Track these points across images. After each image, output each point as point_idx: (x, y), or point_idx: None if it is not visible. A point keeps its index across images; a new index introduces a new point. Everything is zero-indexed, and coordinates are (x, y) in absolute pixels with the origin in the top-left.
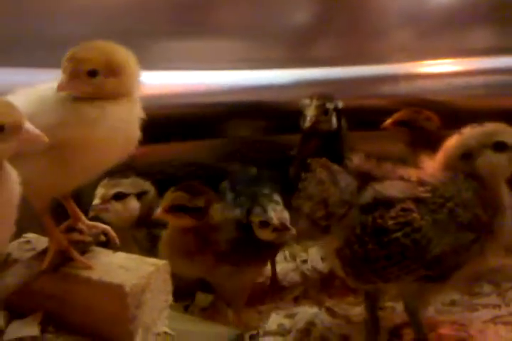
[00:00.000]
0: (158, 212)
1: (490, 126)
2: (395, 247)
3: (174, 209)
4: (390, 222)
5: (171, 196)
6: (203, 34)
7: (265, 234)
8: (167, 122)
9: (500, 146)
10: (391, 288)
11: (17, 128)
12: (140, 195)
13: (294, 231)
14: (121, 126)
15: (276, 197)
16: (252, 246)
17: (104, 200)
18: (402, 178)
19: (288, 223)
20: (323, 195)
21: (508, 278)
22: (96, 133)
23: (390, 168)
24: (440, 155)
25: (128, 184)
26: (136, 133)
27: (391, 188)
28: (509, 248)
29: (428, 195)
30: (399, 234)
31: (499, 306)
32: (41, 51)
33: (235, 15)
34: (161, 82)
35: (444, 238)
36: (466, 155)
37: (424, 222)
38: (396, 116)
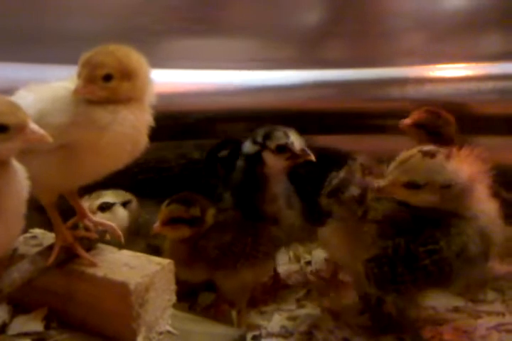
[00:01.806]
0: (157, 226)
1: None
2: (422, 273)
3: (172, 221)
4: (421, 249)
5: (166, 209)
6: (213, 33)
7: (278, 164)
8: (176, 120)
9: None
10: None
11: (21, 128)
12: (125, 204)
13: (313, 156)
14: (130, 133)
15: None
16: (247, 248)
17: (92, 212)
18: None
19: (309, 151)
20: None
21: None
22: (106, 137)
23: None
24: None
25: (110, 194)
26: (144, 140)
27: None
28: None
29: None
30: (427, 261)
31: (503, 314)
32: (54, 47)
33: (247, 14)
34: (170, 80)
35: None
36: None
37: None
38: (415, 117)
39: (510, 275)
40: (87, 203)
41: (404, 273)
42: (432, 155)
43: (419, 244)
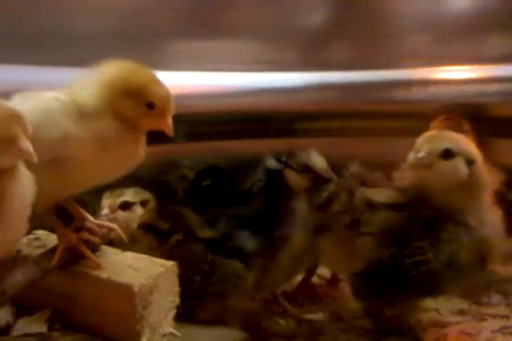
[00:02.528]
0: (133, 227)
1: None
2: (410, 285)
3: (143, 227)
4: (407, 261)
5: (145, 214)
6: (216, 35)
7: (299, 181)
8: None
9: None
10: None
11: (10, 142)
12: (143, 204)
13: (335, 178)
14: (126, 149)
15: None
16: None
17: (112, 210)
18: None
19: (331, 174)
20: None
21: None
22: (101, 155)
23: (381, 177)
24: None
25: (131, 193)
26: (140, 154)
27: (378, 194)
28: None
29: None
30: (415, 272)
31: (507, 316)
32: (56, 49)
33: (251, 16)
34: (173, 82)
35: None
36: None
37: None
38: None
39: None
40: (109, 200)
41: (391, 286)
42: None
43: (405, 256)
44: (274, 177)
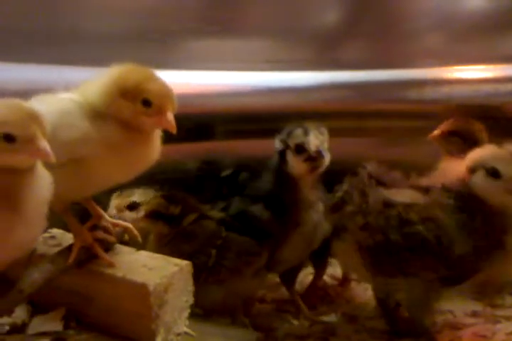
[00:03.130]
0: (139, 218)
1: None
2: (416, 240)
3: (151, 215)
4: (414, 215)
5: (150, 202)
6: (228, 34)
7: (298, 165)
8: (189, 122)
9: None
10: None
11: (29, 141)
12: None
13: (327, 161)
14: (140, 156)
15: (323, 130)
16: (210, 262)
17: (119, 210)
18: (412, 186)
19: (325, 153)
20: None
21: None
22: (116, 157)
23: (399, 176)
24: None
25: (140, 194)
26: (155, 154)
27: (398, 195)
28: None
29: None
30: (421, 227)
31: None
32: (70, 48)
33: (262, 15)
34: (185, 81)
35: (467, 239)
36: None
37: (447, 221)
38: (446, 126)
39: None
40: (117, 201)
41: (398, 239)
42: None
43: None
44: (280, 158)
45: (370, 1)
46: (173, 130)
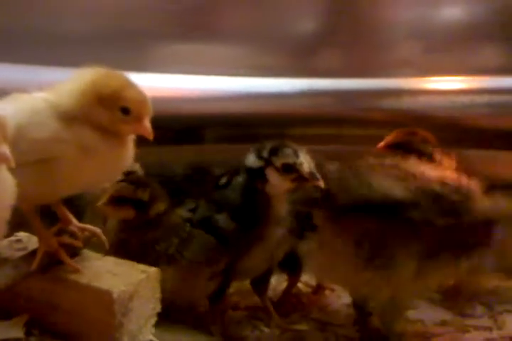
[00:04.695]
0: (100, 204)
1: None
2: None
3: (116, 200)
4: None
5: (113, 188)
6: (208, 39)
7: (282, 185)
8: (167, 125)
9: None
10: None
11: None
12: None
13: (322, 183)
14: (114, 160)
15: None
16: (170, 249)
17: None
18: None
19: (318, 175)
20: None
21: (501, 300)
22: (89, 160)
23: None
24: None
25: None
26: (127, 162)
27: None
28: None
29: None
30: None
31: (490, 328)
32: (49, 49)
33: (243, 21)
34: (164, 85)
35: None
36: None
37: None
38: (389, 138)
39: (498, 290)
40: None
41: None
42: None
43: None
44: (254, 176)
45: (350, 10)
46: (151, 137)
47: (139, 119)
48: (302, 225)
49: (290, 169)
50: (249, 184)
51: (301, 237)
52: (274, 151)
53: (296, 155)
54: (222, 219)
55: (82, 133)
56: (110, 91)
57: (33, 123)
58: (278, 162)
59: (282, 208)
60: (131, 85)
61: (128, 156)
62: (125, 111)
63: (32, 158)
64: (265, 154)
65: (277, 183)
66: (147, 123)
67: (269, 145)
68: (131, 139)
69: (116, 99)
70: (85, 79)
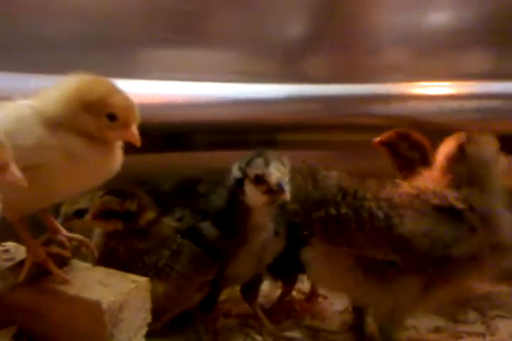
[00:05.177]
0: (88, 217)
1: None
2: (366, 215)
3: (104, 215)
4: (368, 193)
5: (99, 201)
6: (196, 44)
7: (256, 197)
8: (155, 132)
9: None
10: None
11: (2, 168)
12: None
13: (288, 196)
14: (101, 159)
15: (285, 160)
16: (161, 262)
17: (66, 219)
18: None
19: (286, 187)
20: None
21: (494, 306)
22: (76, 166)
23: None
24: (439, 162)
25: (87, 200)
26: (116, 164)
27: None
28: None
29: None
30: (373, 203)
31: (483, 334)
32: (33, 55)
33: (230, 27)
34: (151, 91)
35: (419, 223)
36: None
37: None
38: (384, 136)
39: (491, 295)
40: (63, 208)
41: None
42: None
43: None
44: (236, 187)
45: (337, 15)
46: (138, 143)
47: (126, 126)
48: (303, 233)
49: (260, 180)
50: (232, 193)
51: (302, 245)
52: (249, 162)
53: (267, 166)
54: (206, 227)
55: (68, 140)
56: (96, 98)
57: (18, 130)
58: (251, 173)
59: (263, 218)
60: (117, 91)
61: (115, 163)
62: (112, 117)
63: (19, 165)
64: (243, 164)
65: (253, 195)
66: (134, 130)
67: (249, 155)
68: (118, 146)
69: (102, 105)
70: (71, 86)
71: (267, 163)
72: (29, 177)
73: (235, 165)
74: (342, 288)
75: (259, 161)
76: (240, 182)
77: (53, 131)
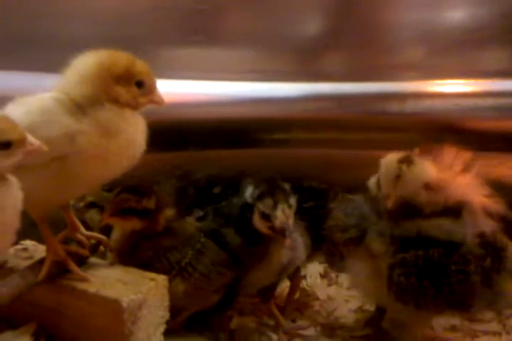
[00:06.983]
0: (104, 216)
1: None
2: (446, 290)
3: (121, 212)
4: (453, 268)
5: (115, 199)
6: (211, 44)
7: (261, 226)
8: (168, 131)
9: None
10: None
11: (23, 142)
12: None
13: (288, 241)
14: (129, 140)
15: (292, 201)
16: (184, 261)
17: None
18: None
19: (288, 231)
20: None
21: (510, 305)
22: (107, 145)
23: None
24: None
25: (94, 195)
26: (143, 145)
27: (436, 228)
28: None
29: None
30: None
31: (500, 333)
32: (50, 55)
33: (245, 25)
34: (167, 90)
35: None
36: None
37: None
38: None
39: (508, 294)
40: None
41: (429, 287)
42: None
43: (452, 261)
44: (248, 208)
45: (353, 14)
46: (163, 102)
47: (152, 89)
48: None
49: (267, 218)
50: (244, 212)
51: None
52: (260, 197)
53: (275, 207)
54: (229, 233)
55: (102, 117)
56: (123, 69)
57: (44, 122)
58: (260, 208)
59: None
60: (135, 59)
61: (143, 138)
62: (140, 84)
63: (48, 157)
64: (255, 195)
65: (259, 226)
66: (160, 92)
67: (262, 187)
68: (142, 120)
69: (130, 75)
70: (92, 64)
71: (275, 205)
72: (59, 167)
73: (249, 188)
74: (382, 301)
75: (268, 202)
76: (250, 207)
77: (84, 114)
